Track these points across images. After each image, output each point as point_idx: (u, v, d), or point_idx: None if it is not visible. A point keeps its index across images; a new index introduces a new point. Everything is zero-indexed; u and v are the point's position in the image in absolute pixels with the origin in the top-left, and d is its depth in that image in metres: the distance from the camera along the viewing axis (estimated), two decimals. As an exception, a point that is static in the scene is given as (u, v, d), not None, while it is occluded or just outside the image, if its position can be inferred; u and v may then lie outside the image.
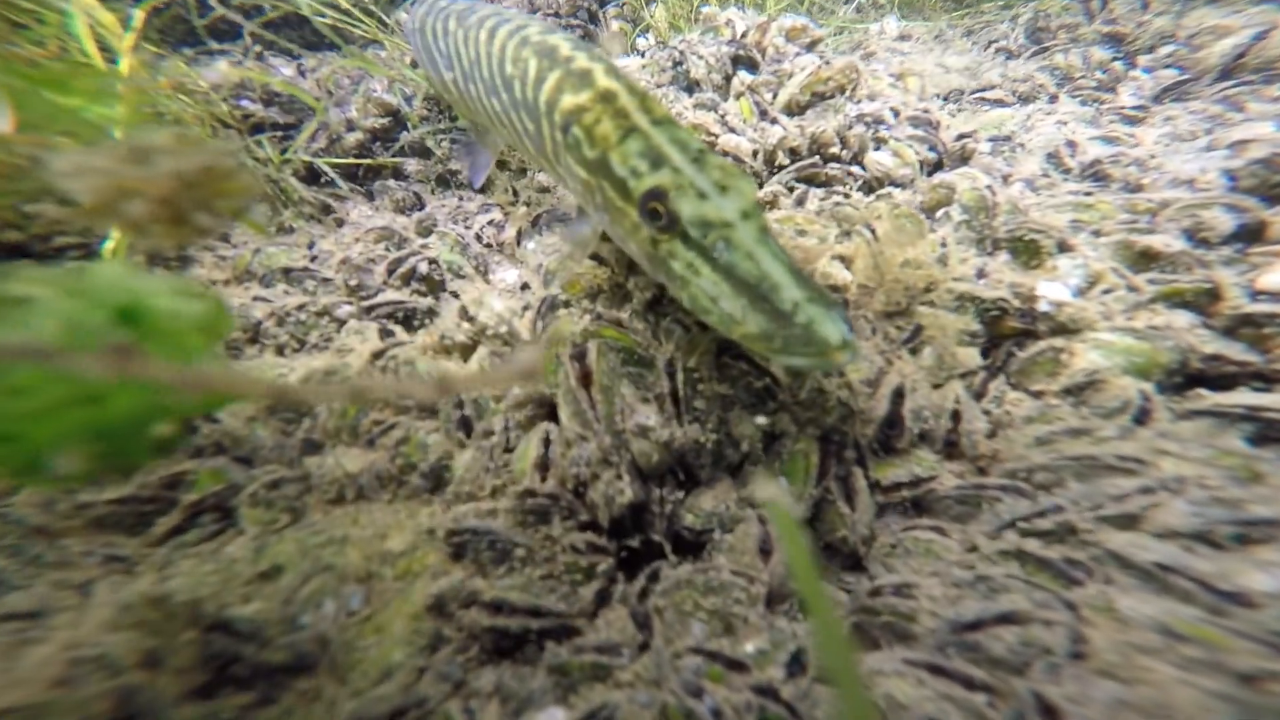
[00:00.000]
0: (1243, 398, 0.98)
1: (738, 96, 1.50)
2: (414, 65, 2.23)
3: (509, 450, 1.02)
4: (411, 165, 1.94)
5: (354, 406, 1.03)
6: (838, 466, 1.00)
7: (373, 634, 0.85)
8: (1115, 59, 1.96)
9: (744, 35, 1.63)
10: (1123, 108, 1.77)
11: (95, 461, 0.54)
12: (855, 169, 1.36)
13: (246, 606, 0.82)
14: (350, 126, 1.93)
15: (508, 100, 1.14)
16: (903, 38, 2.20)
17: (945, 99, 1.87)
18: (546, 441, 1.00)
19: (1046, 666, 0.70)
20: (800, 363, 0.81)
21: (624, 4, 2.23)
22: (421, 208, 1.86)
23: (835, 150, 1.37)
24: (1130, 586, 0.73)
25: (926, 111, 1.45)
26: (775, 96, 1.49)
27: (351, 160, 1.85)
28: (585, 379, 1.02)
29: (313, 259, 1.49)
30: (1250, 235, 1.14)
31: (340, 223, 1.79)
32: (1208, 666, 0.65)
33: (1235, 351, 1.03)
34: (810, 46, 1.61)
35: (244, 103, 1.84)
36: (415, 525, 0.97)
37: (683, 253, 0.85)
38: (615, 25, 2.16)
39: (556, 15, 2.19)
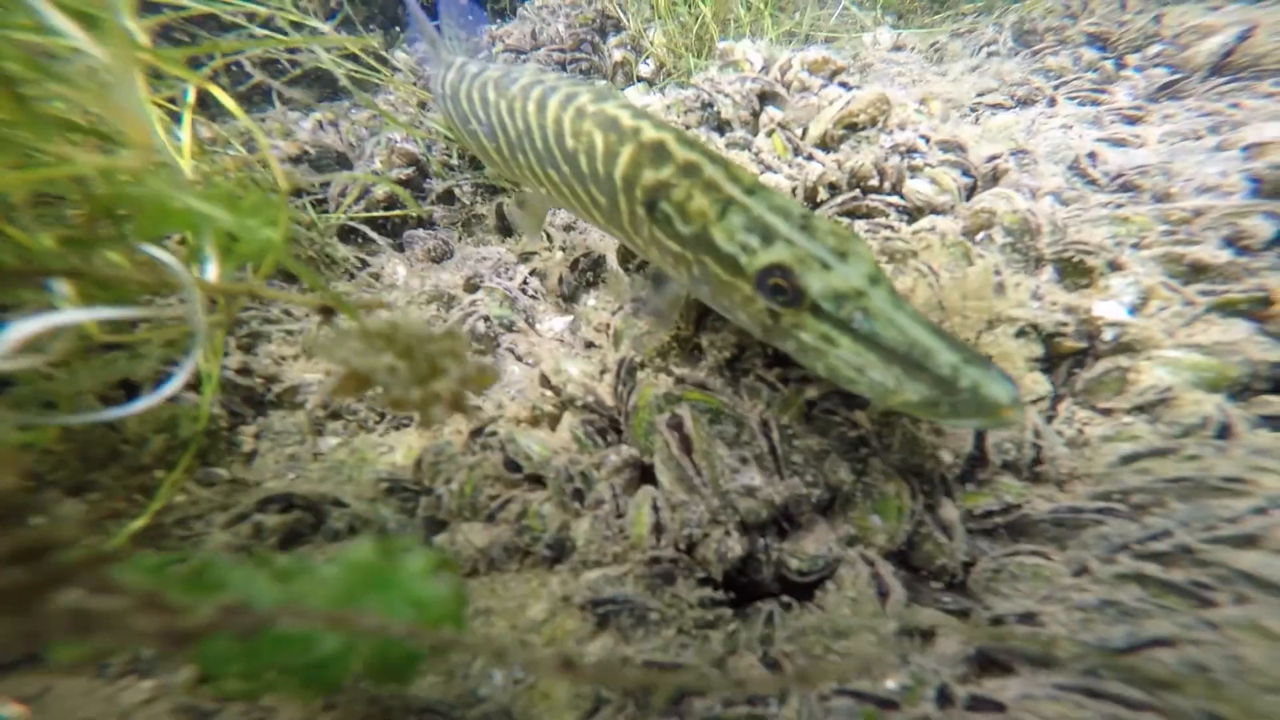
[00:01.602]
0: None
1: (769, 134, 1.49)
2: (422, 105, 2.19)
3: (620, 516, 1.01)
4: (439, 212, 1.91)
5: (470, 485, 1.02)
6: (927, 499, 1.02)
7: (541, 700, 0.86)
8: (1104, 59, 1.98)
9: (766, 70, 1.62)
10: (1121, 108, 1.79)
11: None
12: (895, 199, 1.37)
13: (432, 687, 0.82)
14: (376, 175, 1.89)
15: (570, 172, 1.11)
16: (897, 48, 2.20)
17: (957, 109, 1.89)
18: (655, 507, 1.00)
19: (1206, 683, 0.71)
20: (970, 424, 0.80)
21: (625, 33, 2.19)
22: (450, 254, 1.83)
23: (874, 182, 1.38)
24: (1272, 604, 0.75)
25: (955, 136, 1.45)
26: (806, 131, 1.48)
27: (382, 214, 1.81)
28: (685, 445, 1.01)
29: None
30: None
31: (376, 277, 1.76)
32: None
33: (1286, 357, 1.06)
34: (833, 77, 1.60)
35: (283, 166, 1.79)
36: (549, 593, 0.97)
37: (813, 325, 0.84)
38: (618, 54, 2.13)
39: (561, 50, 2.15)
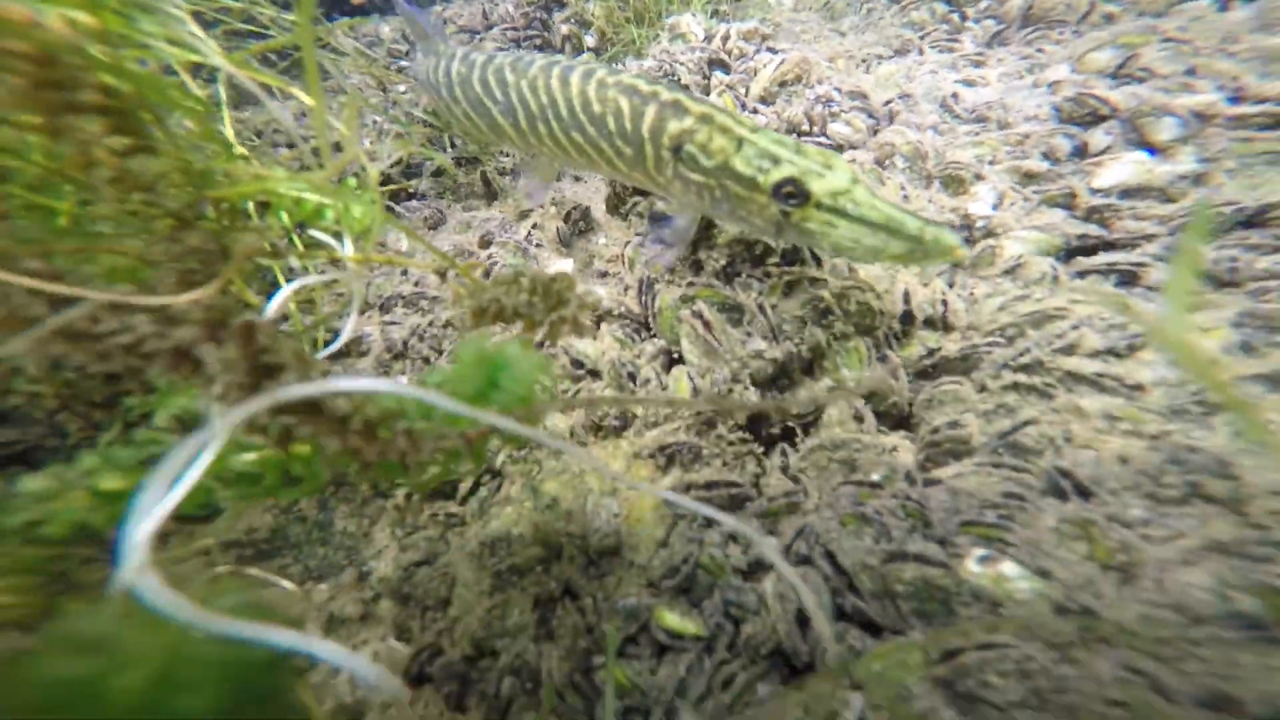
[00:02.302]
0: (1103, 258, 1.46)
1: (719, 94, 1.79)
2: (383, 88, 2.31)
3: (665, 389, 1.34)
4: (424, 185, 2.09)
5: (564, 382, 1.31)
6: (878, 352, 1.41)
7: (636, 524, 1.17)
8: (952, 12, 2.38)
9: (709, 40, 1.91)
10: (969, 54, 2.18)
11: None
12: (824, 139, 1.72)
13: (566, 518, 1.12)
14: (372, 159, 2.04)
15: (595, 133, 1.36)
16: (797, 9, 2.54)
17: (853, 61, 2.26)
18: (690, 377, 1.33)
19: (1054, 450, 1.14)
20: (935, 263, 1.16)
21: (569, 9, 2.41)
22: (444, 221, 2.03)
23: (806, 127, 1.72)
24: (1083, 392, 1.18)
25: (859, 86, 1.81)
26: (749, 90, 1.80)
27: (393, 187, 1.98)
28: (707, 326, 1.34)
29: (415, 283, 1.67)
30: (1081, 152, 1.63)
31: (383, 245, 1.93)
32: (1135, 434, 1.11)
33: (1091, 230, 1.51)
34: (763, 42, 1.92)
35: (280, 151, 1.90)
36: (623, 452, 1.28)
37: (817, 216, 1.14)
38: (565, 29, 2.34)
39: (514, 29, 2.34)
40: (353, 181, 1.38)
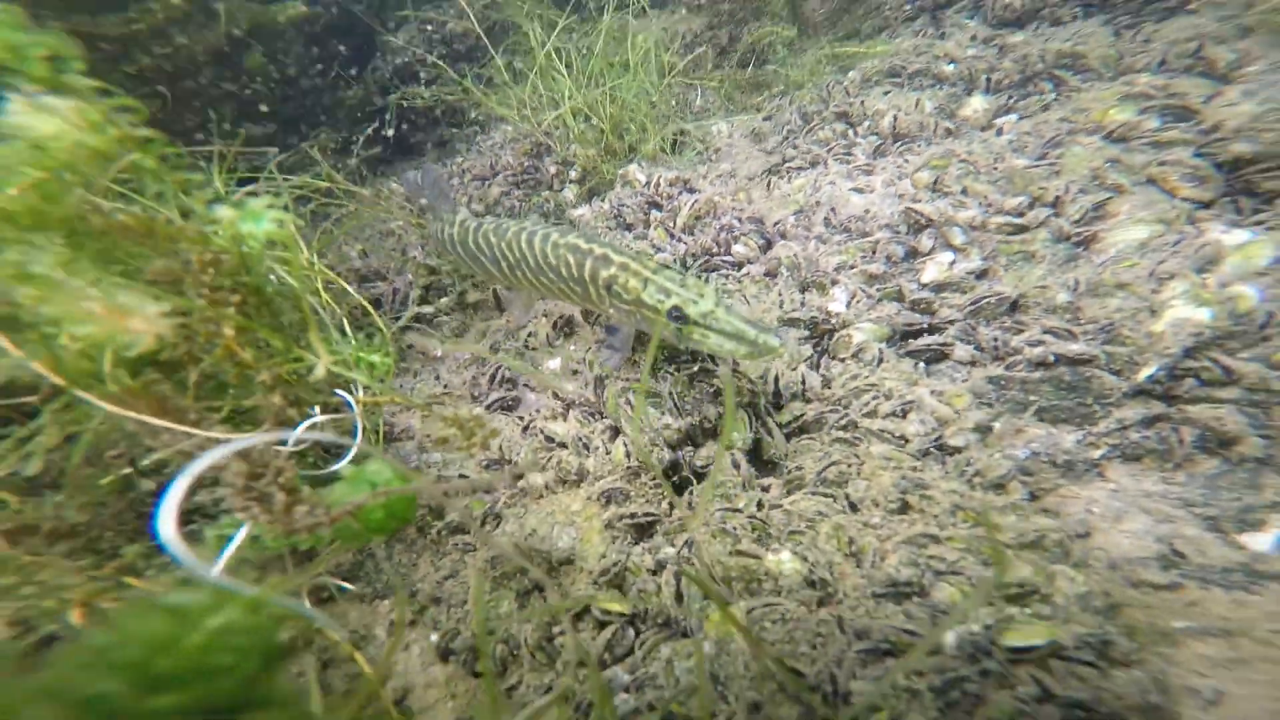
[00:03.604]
0: (924, 340, 2.01)
1: (655, 227, 2.44)
2: (420, 226, 3.05)
3: (608, 454, 1.95)
4: (449, 302, 2.81)
5: (529, 454, 1.95)
6: (759, 420, 1.99)
7: (586, 544, 1.79)
8: (848, 129, 2.96)
9: (648, 186, 2.57)
10: (860, 165, 2.77)
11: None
12: (728, 258, 2.34)
13: (530, 537, 1.75)
14: (410, 286, 2.77)
15: (554, 277, 1.98)
16: (733, 134, 3.18)
17: (769, 172, 2.87)
18: (624, 445, 1.94)
19: (846, 482, 1.70)
20: (765, 360, 1.76)
21: (555, 154, 3.12)
22: (467, 329, 2.73)
23: (714, 249, 2.34)
24: (873, 442, 1.74)
25: (757, 212, 2.43)
26: (676, 223, 2.45)
27: (417, 310, 2.70)
28: (631, 409, 1.96)
29: (444, 387, 2.36)
30: (912, 255, 2.19)
31: (425, 353, 2.64)
32: (896, 468, 1.67)
33: (916, 319, 2.06)
34: (686, 186, 2.56)
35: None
36: (580, 497, 1.90)
37: (695, 331, 1.70)
38: (553, 169, 3.05)
39: (514, 174, 3.06)
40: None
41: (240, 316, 1.25)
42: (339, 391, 1.63)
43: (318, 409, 1.44)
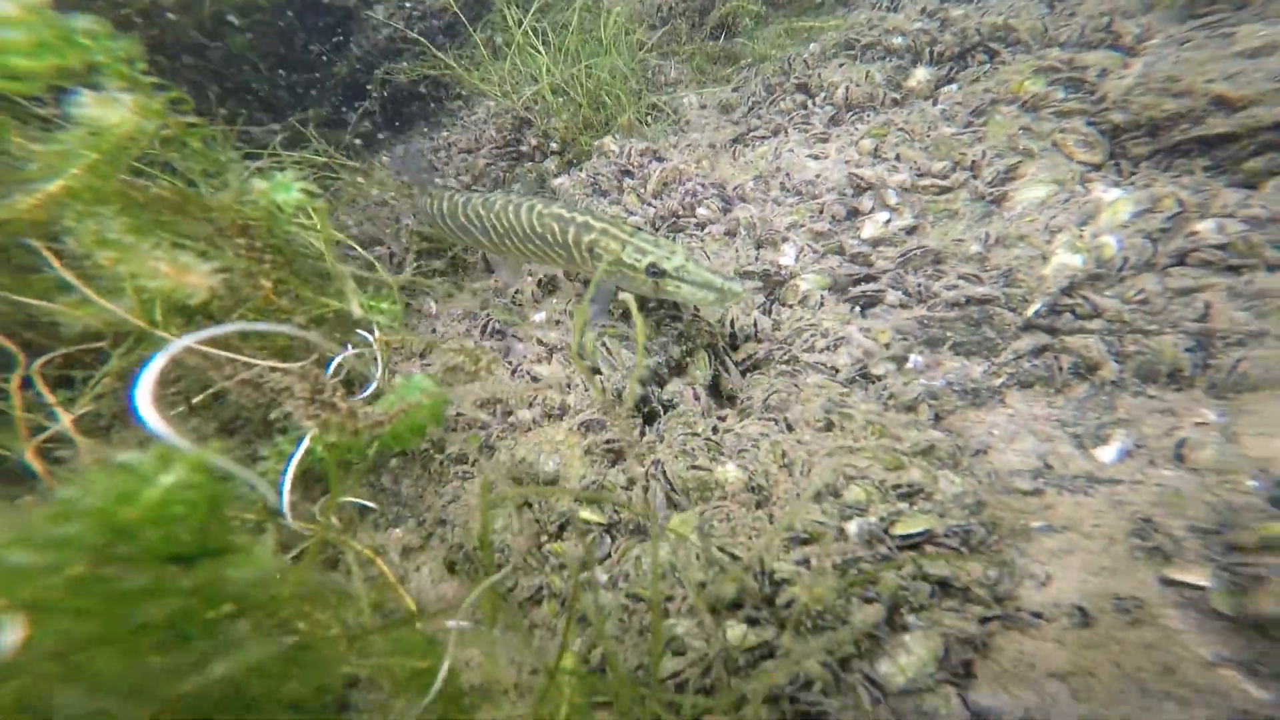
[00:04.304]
0: (861, 288, 2.28)
1: (628, 193, 2.67)
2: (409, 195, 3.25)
3: (587, 390, 2.22)
4: (443, 265, 3.04)
5: (518, 395, 2.22)
6: (718, 359, 2.26)
7: (568, 467, 2.06)
8: (806, 99, 3.18)
9: (621, 155, 2.79)
10: (817, 133, 3.00)
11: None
12: (693, 219, 2.58)
13: (520, 465, 2.03)
14: (406, 250, 3.00)
15: (539, 244, 2.23)
16: (703, 106, 3.39)
17: (735, 141, 3.09)
18: (601, 382, 2.21)
19: (785, 407, 1.97)
20: (729, 304, 2.00)
21: (535, 127, 3.32)
22: (461, 289, 2.97)
23: (680, 212, 2.58)
24: (809, 373, 2.02)
25: (719, 178, 2.66)
26: (646, 189, 2.68)
27: (410, 276, 2.93)
28: (609, 351, 2.22)
29: (440, 338, 2.61)
30: (853, 214, 2.44)
31: (419, 311, 2.89)
32: (825, 395, 1.94)
33: (854, 270, 2.32)
34: (655, 155, 2.78)
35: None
36: (564, 428, 2.17)
37: (670, 282, 1.94)
38: (534, 141, 3.25)
39: (497, 146, 3.25)
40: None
41: (278, 270, 1.49)
42: (361, 332, 1.88)
43: (349, 345, 1.69)
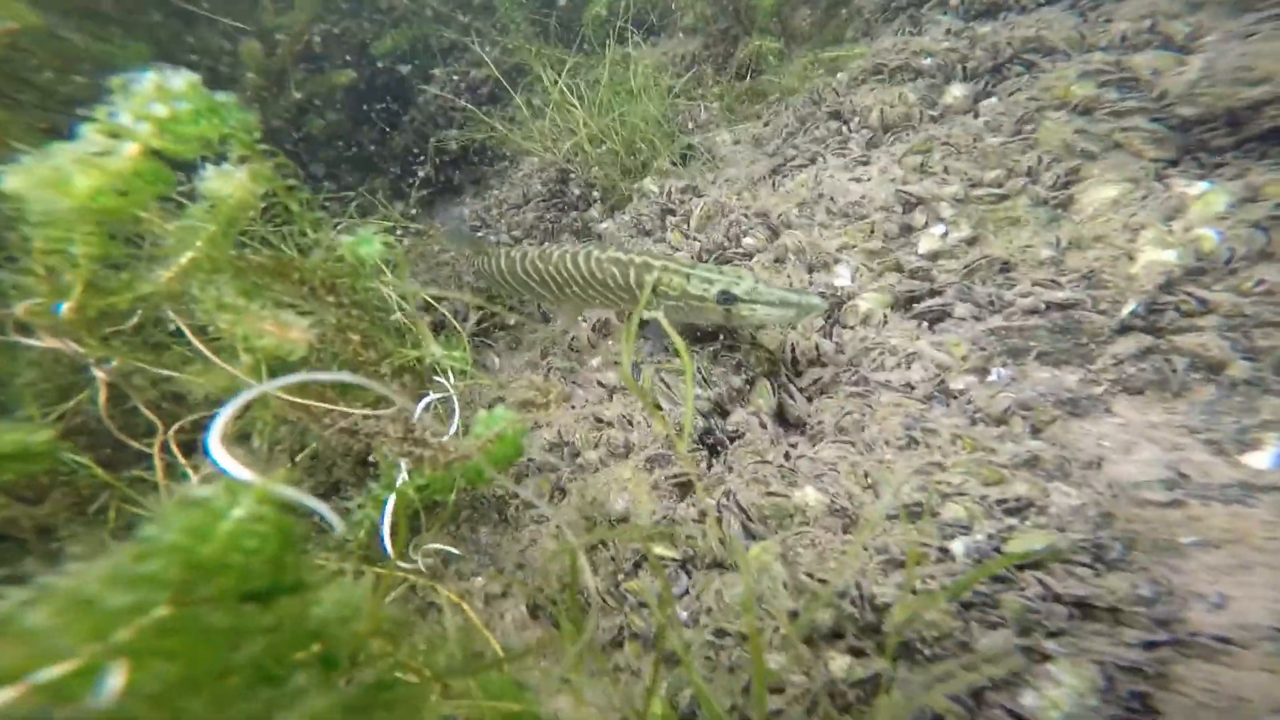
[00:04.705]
0: (926, 303, 2.20)
1: (672, 230, 2.69)
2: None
3: (649, 427, 2.18)
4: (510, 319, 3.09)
5: (582, 435, 2.19)
6: (781, 386, 2.19)
7: (638, 504, 2.01)
8: (841, 125, 3.17)
9: (661, 194, 2.83)
10: (856, 157, 2.97)
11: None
12: (739, 249, 2.57)
13: (590, 505, 1.98)
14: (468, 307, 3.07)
15: (601, 289, 2.21)
16: (736, 142, 3.43)
17: (772, 173, 3.10)
18: (663, 418, 2.17)
19: (861, 428, 1.89)
20: (810, 318, 1.95)
21: (577, 178, 3.41)
22: (520, 341, 3.01)
23: (726, 244, 2.58)
24: (882, 392, 1.93)
25: (762, 208, 2.66)
26: (690, 224, 2.69)
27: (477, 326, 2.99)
28: (666, 385, 2.19)
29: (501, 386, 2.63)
30: (906, 230, 2.38)
31: (483, 366, 2.92)
32: (904, 412, 1.85)
33: (916, 285, 2.25)
34: (695, 192, 2.81)
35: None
36: (630, 465, 2.13)
37: (743, 307, 1.92)
38: (577, 191, 3.33)
39: (544, 199, 3.35)
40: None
41: (363, 323, 1.53)
42: (437, 378, 1.90)
43: (430, 391, 1.72)
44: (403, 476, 1.60)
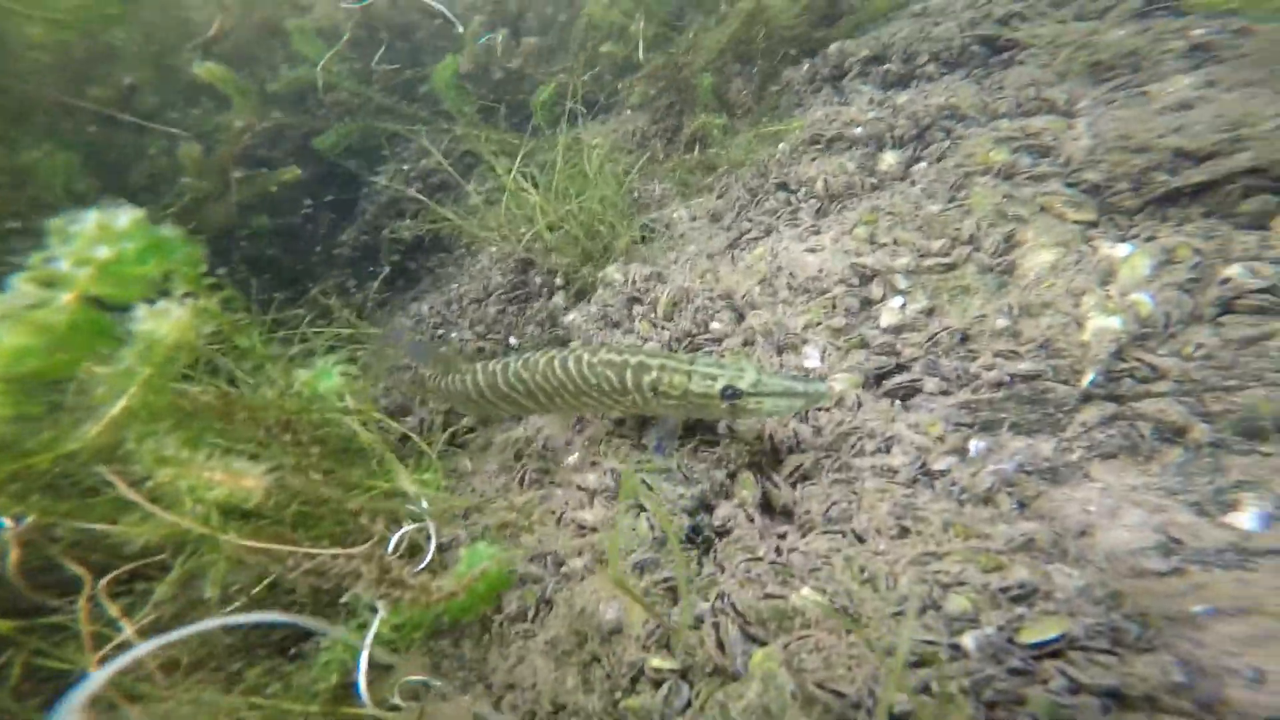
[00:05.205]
0: (892, 382, 2.23)
1: (639, 320, 2.70)
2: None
3: (633, 530, 2.12)
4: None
5: (565, 544, 2.12)
6: (764, 475, 2.17)
7: (630, 613, 1.93)
8: (790, 196, 3.26)
9: (626, 283, 2.85)
10: (808, 226, 3.06)
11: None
12: (707, 333, 2.58)
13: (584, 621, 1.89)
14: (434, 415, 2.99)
15: (596, 394, 2.11)
16: (694, 218, 3.50)
17: (730, 246, 3.16)
18: (648, 520, 2.12)
19: (849, 517, 1.88)
20: (815, 405, 1.93)
21: (539, 267, 3.42)
22: (491, 442, 2.94)
23: (694, 331, 2.59)
24: (866, 478, 1.93)
25: (726, 289, 2.69)
26: (657, 313, 2.71)
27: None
28: (648, 485, 2.15)
29: (480, 496, 2.54)
30: (866, 304, 2.44)
31: (454, 471, 2.83)
32: (890, 498, 1.86)
33: (883, 362, 2.28)
34: (659, 278, 2.85)
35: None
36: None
37: (749, 401, 1.87)
38: (539, 280, 3.34)
39: (505, 290, 3.34)
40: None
41: (322, 461, 1.46)
42: (411, 506, 1.81)
43: (406, 522, 1.63)
44: (375, 623, 1.51)
